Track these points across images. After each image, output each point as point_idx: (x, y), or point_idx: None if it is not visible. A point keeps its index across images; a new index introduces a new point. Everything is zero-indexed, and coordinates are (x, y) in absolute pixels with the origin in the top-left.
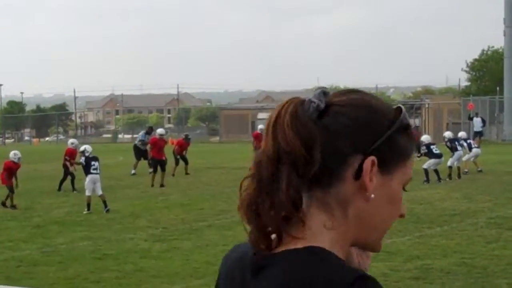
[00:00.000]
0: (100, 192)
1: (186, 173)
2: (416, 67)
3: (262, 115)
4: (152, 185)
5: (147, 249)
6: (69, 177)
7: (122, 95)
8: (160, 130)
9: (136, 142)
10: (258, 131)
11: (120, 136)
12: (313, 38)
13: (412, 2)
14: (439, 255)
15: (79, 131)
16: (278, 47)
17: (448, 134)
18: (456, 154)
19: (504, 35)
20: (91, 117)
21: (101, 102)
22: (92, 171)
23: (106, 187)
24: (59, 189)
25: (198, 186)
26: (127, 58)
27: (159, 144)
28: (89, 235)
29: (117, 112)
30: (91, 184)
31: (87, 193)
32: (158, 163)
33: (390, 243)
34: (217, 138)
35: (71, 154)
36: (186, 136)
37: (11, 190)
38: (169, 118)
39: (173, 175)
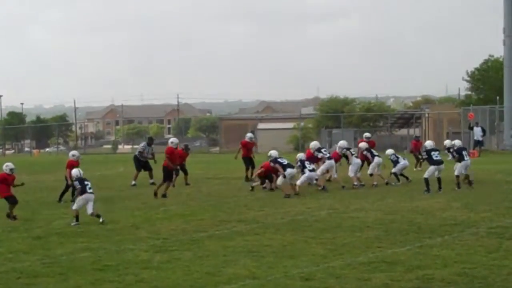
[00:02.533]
0: (90, 211)
1: (186, 184)
2: (416, 77)
3: (262, 125)
4: (156, 194)
5: (148, 260)
6: (70, 189)
7: (122, 106)
8: (174, 139)
9: (136, 153)
10: (247, 140)
11: (120, 146)
12: (313, 48)
13: (412, 12)
14: (439, 265)
15: (79, 142)
16: (278, 57)
17: (457, 142)
18: (463, 163)
19: (504, 44)
20: (91, 128)
21: (101, 113)
22: (88, 190)
23: (107, 198)
24: (60, 200)
25: (199, 197)
26: (127, 69)
27: (175, 154)
28: (90, 246)
29: (117, 123)
30: (83, 201)
31: (75, 207)
32: (170, 173)
33: (391, 253)
34: (217, 149)
35: (72, 165)
36: (186, 146)
37: (11, 201)
38: (169, 128)
39: (174, 185)
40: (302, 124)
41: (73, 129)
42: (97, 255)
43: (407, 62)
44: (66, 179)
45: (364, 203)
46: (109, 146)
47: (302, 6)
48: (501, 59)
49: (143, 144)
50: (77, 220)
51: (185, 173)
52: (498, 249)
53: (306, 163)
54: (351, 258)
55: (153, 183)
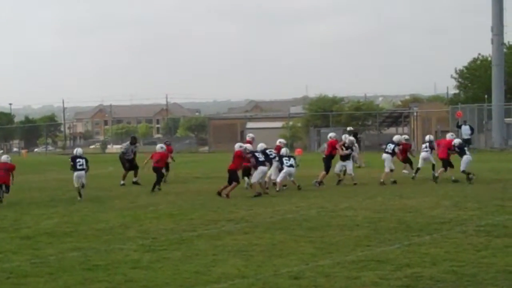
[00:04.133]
0: (83, 183)
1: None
2: (405, 76)
3: (251, 125)
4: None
5: (137, 260)
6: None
7: (111, 106)
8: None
9: (120, 153)
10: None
11: (109, 146)
12: (301, 47)
13: (401, 11)
14: (428, 264)
15: (68, 142)
16: (267, 56)
17: (457, 141)
18: (465, 158)
19: (492, 43)
20: (80, 128)
21: (90, 113)
22: (78, 167)
23: (95, 198)
24: (153, 190)
25: (188, 196)
26: (116, 69)
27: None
28: (79, 246)
29: (106, 123)
30: (77, 178)
31: (75, 185)
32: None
33: (380, 252)
34: (206, 148)
35: (164, 156)
36: (169, 142)
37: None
38: (158, 128)
39: (165, 181)
40: (291, 123)
41: (62, 129)
42: (86, 255)
43: (396, 61)
44: (156, 171)
45: (353, 202)
46: (98, 146)
47: (291, 6)
48: (489, 58)
49: (126, 144)
50: (80, 196)
51: (167, 169)
52: (486, 247)
53: (285, 159)
54: (340, 257)
55: (136, 182)
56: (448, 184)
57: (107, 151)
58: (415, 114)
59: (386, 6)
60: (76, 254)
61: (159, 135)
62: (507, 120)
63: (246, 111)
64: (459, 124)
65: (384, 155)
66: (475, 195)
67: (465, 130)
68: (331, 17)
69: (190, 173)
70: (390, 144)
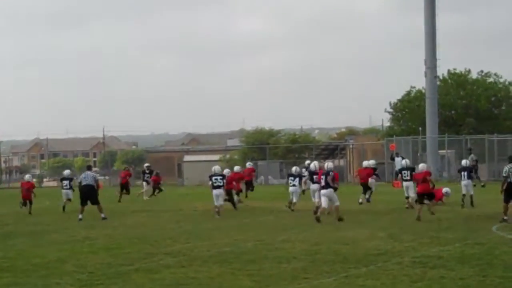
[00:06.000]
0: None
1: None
2: (341, 109)
3: (188, 158)
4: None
5: None
6: None
7: (47, 139)
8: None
9: (92, 183)
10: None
11: (45, 180)
12: (238, 80)
13: (336, 44)
14: None
15: (4, 176)
16: (204, 89)
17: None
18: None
19: (425, 76)
20: (16, 162)
21: (26, 146)
22: (64, 187)
23: (32, 233)
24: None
25: (125, 230)
26: (52, 102)
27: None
28: (15, 281)
29: (42, 156)
30: (64, 195)
31: (64, 200)
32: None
33: (317, 284)
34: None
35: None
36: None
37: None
38: (94, 161)
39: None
40: (228, 156)
41: None
42: None
43: (331, 94)
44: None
45: (291, 234)
46: (35, 180)
47: (227, 39)
48: (423, 91)
49: (89, 172)
50: (63, 209)
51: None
52: (422, 278)
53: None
54: None
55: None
56: (384, 216)
57: (43, 185)
58: (351, 146)
59: (321, 40)
60: None
61: (96, 169)
62: (441, 152)
63: (183, 144)
64: (393, 156)
65: (406, 183)
66: (411, 227)
67: (398, 161)
68: (268, 50)
69: (127, 206)
70: (405, 172)
